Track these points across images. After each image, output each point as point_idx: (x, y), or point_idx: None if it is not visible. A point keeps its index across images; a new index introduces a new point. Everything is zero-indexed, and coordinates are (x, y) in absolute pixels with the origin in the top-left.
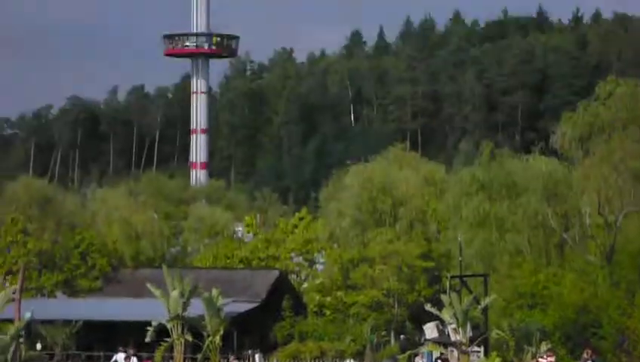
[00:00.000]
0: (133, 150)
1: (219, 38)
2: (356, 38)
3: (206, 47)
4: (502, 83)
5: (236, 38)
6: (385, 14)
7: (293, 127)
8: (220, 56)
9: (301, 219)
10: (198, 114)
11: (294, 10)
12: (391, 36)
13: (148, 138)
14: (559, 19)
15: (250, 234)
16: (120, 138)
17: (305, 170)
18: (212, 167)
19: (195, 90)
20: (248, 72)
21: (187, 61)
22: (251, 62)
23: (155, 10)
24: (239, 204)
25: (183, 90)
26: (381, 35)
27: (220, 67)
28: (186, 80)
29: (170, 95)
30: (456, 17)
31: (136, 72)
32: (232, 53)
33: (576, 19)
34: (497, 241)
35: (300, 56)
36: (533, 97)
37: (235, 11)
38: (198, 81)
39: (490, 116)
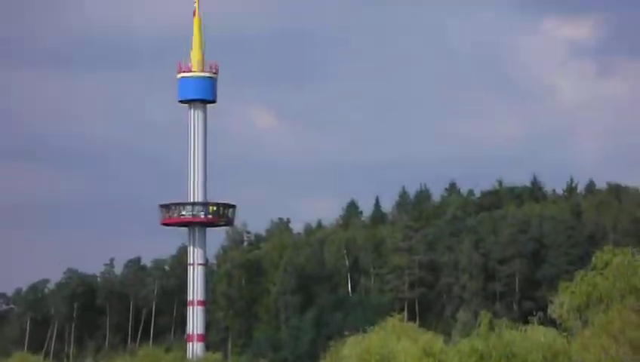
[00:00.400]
0: (130, 324)
1: (215, 208)
2: (352, 208)
3: (202, 216)
4: (498, 252)
5: (233, 207)
6: (380, 185)
7: (290, 298)
8: (217, 225)
9: None
10: (195, 286)
11: (291, 180)
12: (387, 206)
13: (144, 311)
14: (553, 190)
15: None
16: (116, 312)
17: (302, 340)
18: (209, 339)
19: (191, 261)
20: (245, 243)
21: (184, 230)
22: (248, 232)
23: (151, 180)
24: None
25: (180, 261)
26: (377, 205)
27: (216, 236)
28: (183, 250)
29: (166, 267)
30: (452, 187)
31: (132, 242)
32: (228, 222)
33: (571, 189)
34: None
35: (297, 227)
36: (530, 266)
37: (232, 181)
38: (195, 250)
39: (488, 285)
